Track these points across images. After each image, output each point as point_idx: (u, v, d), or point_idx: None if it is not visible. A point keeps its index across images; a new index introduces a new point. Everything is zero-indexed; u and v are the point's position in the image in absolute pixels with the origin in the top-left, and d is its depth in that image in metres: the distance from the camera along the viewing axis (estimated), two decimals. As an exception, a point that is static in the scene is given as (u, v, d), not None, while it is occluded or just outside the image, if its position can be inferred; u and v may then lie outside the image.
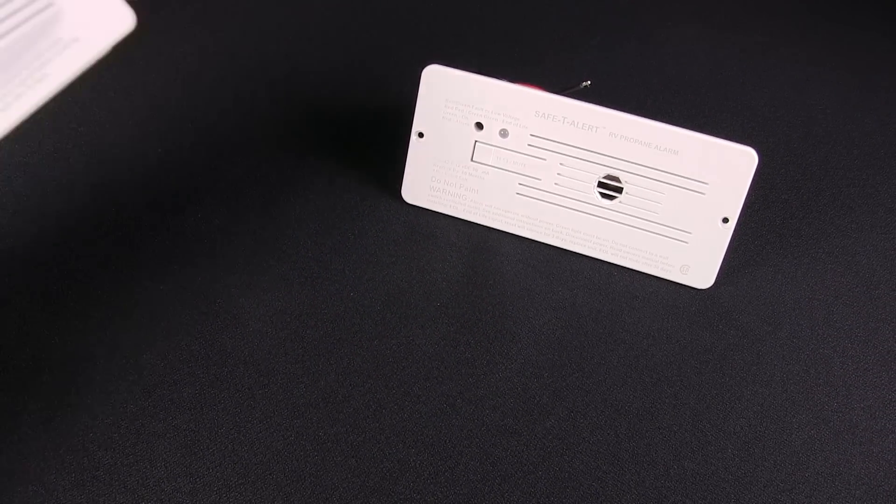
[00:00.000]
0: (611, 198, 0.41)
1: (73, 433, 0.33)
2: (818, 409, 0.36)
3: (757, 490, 0.33)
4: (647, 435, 0.34)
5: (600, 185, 0.41)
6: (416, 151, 0.42)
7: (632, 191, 0.40)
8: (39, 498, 0.31)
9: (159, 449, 0.33)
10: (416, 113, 0.41)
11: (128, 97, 0.49)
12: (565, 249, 0.42)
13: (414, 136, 0.42)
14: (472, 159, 0.42)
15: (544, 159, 0.40)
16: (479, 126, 0.40)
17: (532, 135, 0.40)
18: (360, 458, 0.33)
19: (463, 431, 0.34)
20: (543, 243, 0.42)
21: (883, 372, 0.38)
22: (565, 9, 0.63)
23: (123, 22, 0.32)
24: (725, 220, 0.40)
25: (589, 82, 0.47)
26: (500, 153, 0.41)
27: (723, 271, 0.41)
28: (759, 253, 0.44)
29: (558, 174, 0.41)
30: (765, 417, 0.35)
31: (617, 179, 0.40)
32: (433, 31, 0.60)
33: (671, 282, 0.42)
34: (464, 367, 0.37)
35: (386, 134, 0.47)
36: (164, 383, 0.35)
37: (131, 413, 0.34)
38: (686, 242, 0.40)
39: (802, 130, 0.52)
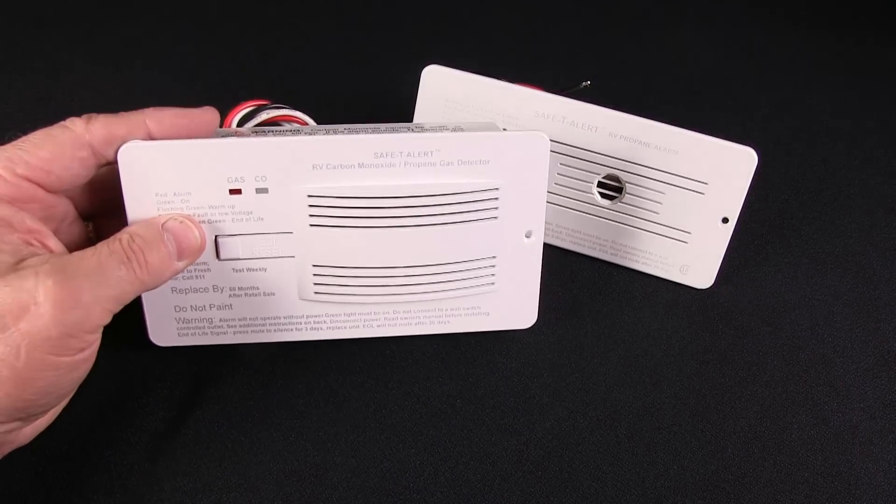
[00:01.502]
0: (611, 198, 0.41)
1: (72, 431, 0.33)
2: (818, 409, 0.36)
3: (757, 490, 0.33)
4: (647, 435, 0.34)
5: (600, 185, 0.41)
6: None
7: (632, 191, 0.40)
8: (39, 496, 0.31)
9: (160, 448, 0.33)
10: (417, 112, 0.42)
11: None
12: (565, 249, 0.42)
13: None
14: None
15: (544, 159, 0.40)
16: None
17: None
18: (360, 457, 0.33)
19: (463, 431, 0.34)
20: (543, 243, 0.42)
21: (883, 372, 0.38)
22: (565, 9, 0.63)
23: (524, 321, 0.38)
24: (725, 220, 0.40)
25: (589, 82, 0.48)
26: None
27: (723, 271, 0.41)
28: (759, 253, 0.44)
29: (558, 174, 0.41)
30: (765, 417, 0.35)
31: (617, 179, 0.40)
32: (433, 31, 0.60)
33: (671, 282, 0.42)
34: (464, 367, 0.37)
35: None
36: (164, 382, 0.35)
37: (131, 412, 0.34)
38: (686, 242, 0.40)
39: (802, 130, 0.52)
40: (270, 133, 0.35)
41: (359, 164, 0.33)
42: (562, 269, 0.42)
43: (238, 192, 0.33)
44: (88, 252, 0.29)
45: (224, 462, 0.33)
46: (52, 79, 0.53)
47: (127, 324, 0.36)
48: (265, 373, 0.36)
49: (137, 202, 0.32)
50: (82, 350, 0.28)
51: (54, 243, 0.30)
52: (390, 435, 0.34)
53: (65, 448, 0.33)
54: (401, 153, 0.33)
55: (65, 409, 0.33)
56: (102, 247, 0.29)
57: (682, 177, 0.39)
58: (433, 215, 0.34)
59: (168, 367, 0.36)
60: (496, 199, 0.34)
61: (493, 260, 0.36)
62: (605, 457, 0.34)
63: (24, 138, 0.30)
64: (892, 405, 0.36)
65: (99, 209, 0.34)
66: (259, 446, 0.33)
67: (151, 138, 0.32)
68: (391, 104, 0.37)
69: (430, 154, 0.33)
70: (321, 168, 0.33)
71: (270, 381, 0.36)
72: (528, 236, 0.36)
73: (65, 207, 0.32)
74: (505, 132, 0.34)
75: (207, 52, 0.56)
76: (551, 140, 0.40)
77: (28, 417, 0.29)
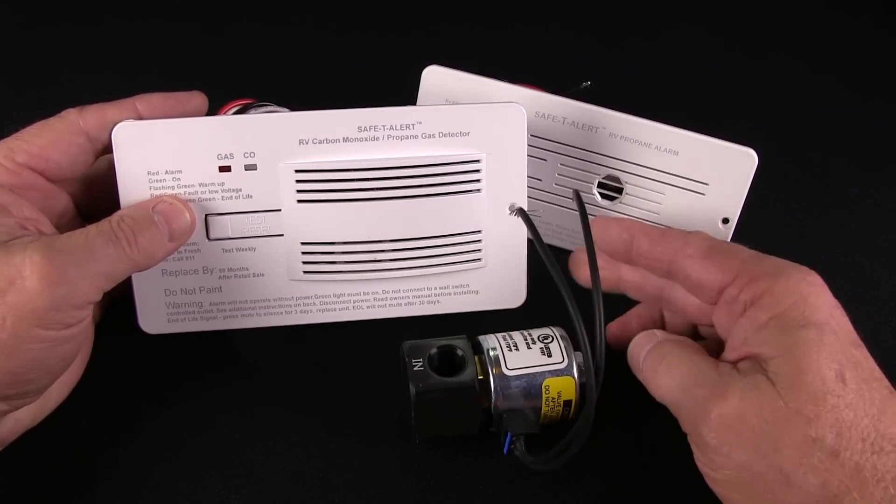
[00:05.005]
0: (611, 198, 0.41)
1: (72, 432, 0.33)
2: (818, 409, 0.36)
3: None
4: (647, 429, 0.34)
5: (600, 185, 0.41)
6: None
7: (631, 191, 0.40)
8: (38, 497, 0.31)
9: (161, 449, 0.33)
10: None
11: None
12: (565, 250, 0.42)
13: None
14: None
15: (544, 160, 0.40)
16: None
17: (532, 135, 0.40)
18: (364, 458, 0.33)
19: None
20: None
21: (883, 372, 0.38)
22: (565, 9, 0.63)
23: (513, 300, 0.38)
24: (725, 221, 0.40)
25: (589, 82, 0.48)
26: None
27: (723, 271, 0.41)
28: (758, 253, 0.43)
29: (558, 174, 0.41)
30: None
31: (617, 180, 0.40)
32: (433, 31, 0.60)
33: (671, 282, 0.41)
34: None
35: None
36: (166, 382, 0.35)
37: (133, 413, 0.34)
38: (686, 242, 0.40)
39: (802, 130, 0.52)
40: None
41: (343, 138, 0.34)
42: (562, 269, 0.41)
43: (227, 169, 0.34)
44: (77, 232, 0.29)
45: (226, 462, 0.33)
46: (50, 80, 0.53)
47: (123, 326, 0.36)
48: (267, 373, 0.36)
49: (130, 182, 0.33)
50: (70, 326, 0.28)
51: (49, 230, 0.31)
52: (392, 435, 0.34)
53: (64, 449, 0.33)
54: (383, 126, 0.34)
55: (64, 410, 0.33)
56: (91, 227, 0.30)
57: (682, 177, 0.39)
58: (417, 186, 0.35)
59: (168, 368, 0.36)
60: (478, 171, 0.35)
61: (479, 235, 0.36)
62: (606, 456, 0.34)
63: (22, 130, 0.32)
64: (892, 405, 0.36)
65: (98, 208, 0.34)
66: (261, 447, 0.33)
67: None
68: (391, 104, 0.37)
69: (411, 127, 0.34)
70: (307, 143, 0.34)
71: (272, 382, 0.36)
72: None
73: (65, 202, 0.33)
74: (483, 104, 0.36)
75: (205, 54, 0.56)
76: (551, 140, 0.40)
77: (14, 397, 0.29)
